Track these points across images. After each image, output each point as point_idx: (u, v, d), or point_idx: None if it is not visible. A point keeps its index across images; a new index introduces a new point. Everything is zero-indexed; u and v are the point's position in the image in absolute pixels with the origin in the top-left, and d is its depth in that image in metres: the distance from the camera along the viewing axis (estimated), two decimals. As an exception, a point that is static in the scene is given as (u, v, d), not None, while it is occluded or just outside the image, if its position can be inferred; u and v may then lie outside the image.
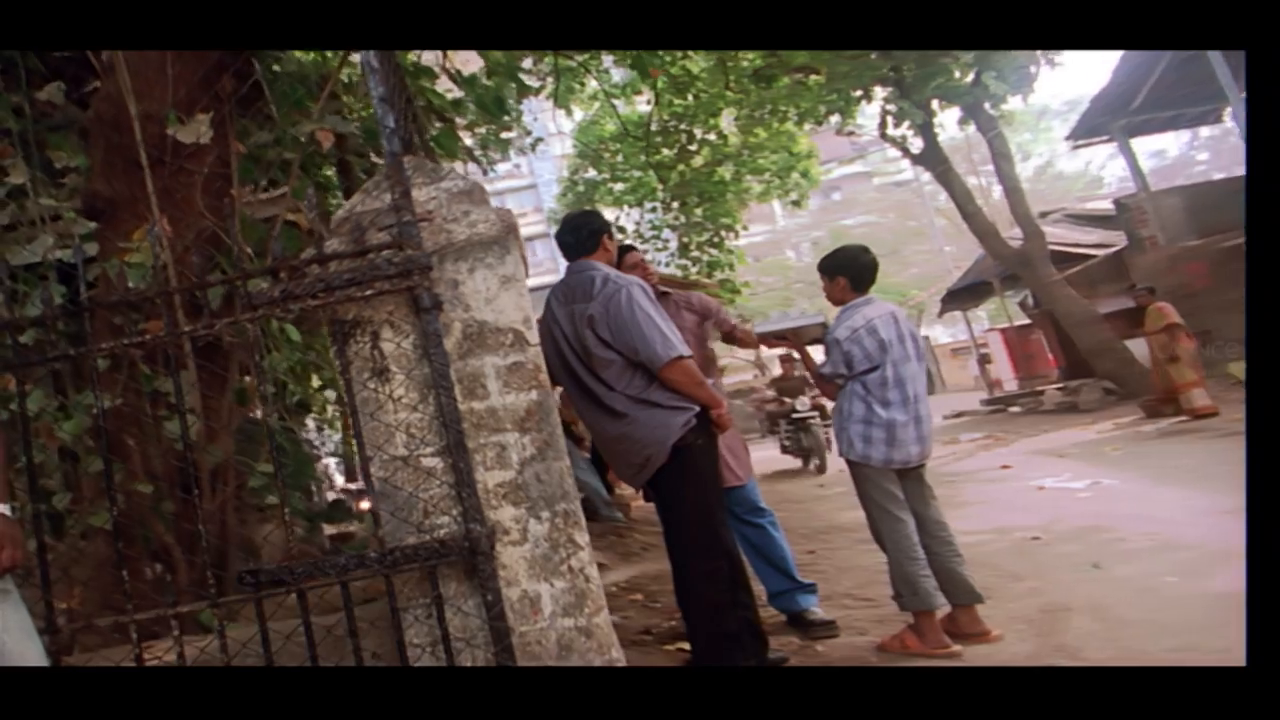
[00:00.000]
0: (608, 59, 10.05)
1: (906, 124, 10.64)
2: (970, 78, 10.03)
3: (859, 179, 25.72)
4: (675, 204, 10.17)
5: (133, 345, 1.93)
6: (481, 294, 2.05)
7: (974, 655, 2.93)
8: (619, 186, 10.78)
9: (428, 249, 2.04)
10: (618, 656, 2.02)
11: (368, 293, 1.96)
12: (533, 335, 2.05)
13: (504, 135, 9.15)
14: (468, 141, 8.62)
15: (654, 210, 10.39)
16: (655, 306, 2.65)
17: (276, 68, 2.70)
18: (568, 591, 2.01)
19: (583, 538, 2.03)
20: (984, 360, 19.37)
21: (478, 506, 1.95)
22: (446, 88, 6.75)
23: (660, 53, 8.84)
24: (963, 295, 16.96)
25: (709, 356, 3.64)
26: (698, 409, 2.63)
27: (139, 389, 2.51)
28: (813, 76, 9.92)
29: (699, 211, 10.11)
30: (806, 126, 11.44)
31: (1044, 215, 14.02)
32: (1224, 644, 2.37)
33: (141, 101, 2.50)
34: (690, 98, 9.75)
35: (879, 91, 10.20)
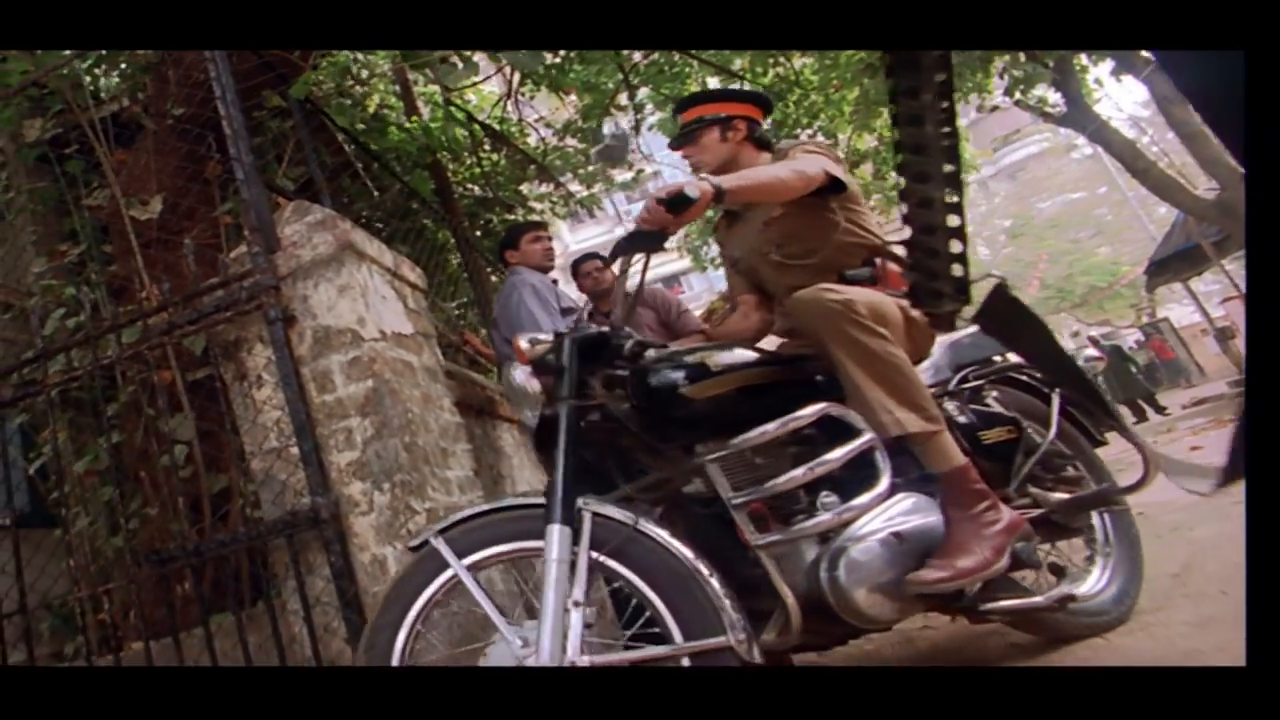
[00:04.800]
0: (713, 80, 10.28)
1: (1043, 87, 9.85)
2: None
3: (1049, 156, 23.53)
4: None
5: (63, 383, 2.49)
6: (324, 303, 2.37)
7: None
8: (739, 206, 10.82)
9: (283, 273, 2.41)
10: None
11: (229, 315, 2.36)
12: (367, 332, 2.34)
13: (615, 175, 9.61)
14: (575, 188, 9.17)
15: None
16: (540, 301, 2.84)
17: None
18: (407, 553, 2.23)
19: (420, 505, 2.25)
20: (1225, 335, 16.76)
21: (320, 481, 2.25)
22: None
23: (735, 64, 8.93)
24: (1173, 264, 14.75)
25: None
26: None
27: (150, 429, 3.07)
28: (920, 59, 9.51)
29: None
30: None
31: (1250, 156, 12.08)
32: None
33: (135, 194, 3.14)
34: (791, 104, 9.69)
35: (998, 63, 9.54)
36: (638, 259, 1.82)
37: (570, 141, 8.95)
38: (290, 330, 2.38)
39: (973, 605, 1.76)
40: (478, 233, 7.40)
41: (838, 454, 1.65)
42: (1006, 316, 0.81)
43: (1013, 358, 2.20)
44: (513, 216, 8.05)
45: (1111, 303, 20.67)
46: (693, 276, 25.33)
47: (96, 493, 2.94)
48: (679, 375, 1.69)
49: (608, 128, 9.32)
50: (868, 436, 1.68)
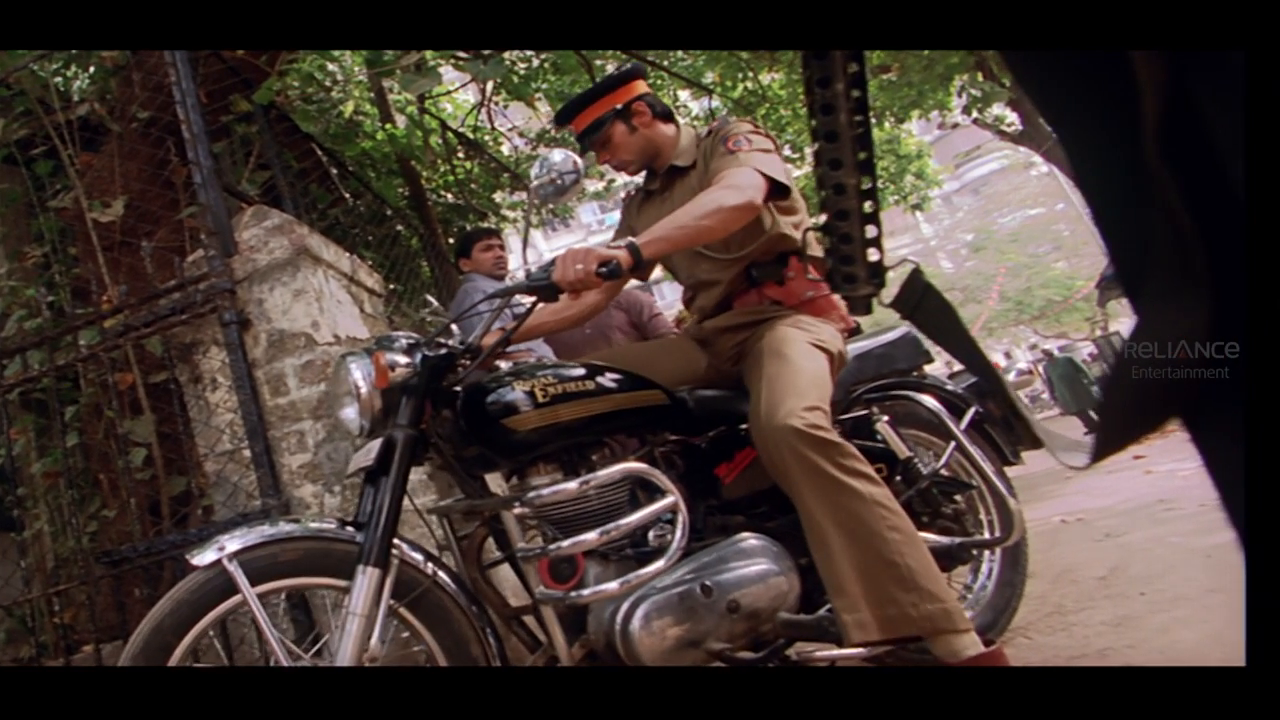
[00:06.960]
0: (684, 94, 10.40)
1: (999, 105, 10.12)
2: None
3: (1010, 172, 24.03)
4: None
5: (20, 384, 2.51)
6: (279, 307, 2.42)
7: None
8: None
9: (239, 276, 2.45)
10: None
11: (184, 318, 2.40)
12: (320, 336, 2.39)
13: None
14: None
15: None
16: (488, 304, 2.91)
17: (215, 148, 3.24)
18: (359, 554, 2.28)
19: (371, 507, 2.30)
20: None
21: (271, 483, 2.29)
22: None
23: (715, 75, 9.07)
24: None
25: None
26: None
27: (110, 433, 3.07)
28: (884, 75, 9.73)
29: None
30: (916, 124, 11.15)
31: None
32: (1174, 591, 2.40)
33: (100, 197, 3.15)
34: (759, 118, 9.84)
35: (957, 81, 9.78)
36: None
37: (544, 150, 8.99)
38: (245, 333, 2.42)
39: (784, 658, 1.66)
40: (450, 239, 7.44)
41: (633, 519, 1.54)
42: (921, 303, 0.84)
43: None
44: (487, 224, 8.09)
45: (1068, 316, 21.12)
46: (665, 285, 25.42)
47: (56, 494, 2.94)
48: (504, 403, 1.57)
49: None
50: (669, 499, 1.57)
